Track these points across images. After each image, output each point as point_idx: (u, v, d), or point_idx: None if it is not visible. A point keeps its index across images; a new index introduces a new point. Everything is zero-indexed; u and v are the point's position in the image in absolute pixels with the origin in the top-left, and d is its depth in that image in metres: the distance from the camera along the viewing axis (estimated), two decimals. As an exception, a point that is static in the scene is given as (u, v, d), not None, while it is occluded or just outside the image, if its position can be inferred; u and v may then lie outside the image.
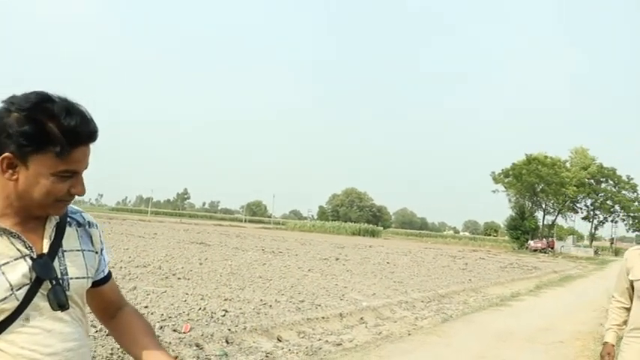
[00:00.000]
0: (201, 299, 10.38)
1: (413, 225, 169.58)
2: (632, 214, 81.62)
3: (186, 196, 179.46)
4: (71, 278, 1.60)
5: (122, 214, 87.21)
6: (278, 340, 8.42)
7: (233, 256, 21.42)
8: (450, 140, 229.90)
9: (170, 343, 6.88)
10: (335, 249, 35.38)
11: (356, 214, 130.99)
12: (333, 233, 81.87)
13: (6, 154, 1.45)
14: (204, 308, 9.41)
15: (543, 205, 77.03)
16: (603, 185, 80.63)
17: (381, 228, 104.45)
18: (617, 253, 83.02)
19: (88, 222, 1.75)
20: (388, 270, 22.15)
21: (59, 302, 1.54)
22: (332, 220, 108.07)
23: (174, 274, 13.75)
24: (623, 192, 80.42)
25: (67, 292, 1.58)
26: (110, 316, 1.84)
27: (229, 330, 8.02)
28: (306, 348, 7.89)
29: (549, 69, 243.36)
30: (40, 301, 1.52)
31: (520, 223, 69.83)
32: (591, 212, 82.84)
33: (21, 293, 1.49)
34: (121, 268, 14.31)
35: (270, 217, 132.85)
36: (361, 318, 10.55)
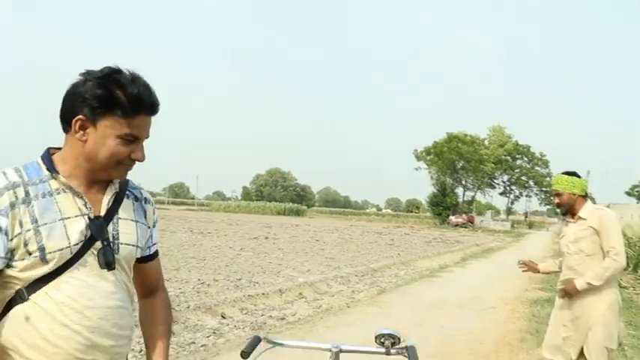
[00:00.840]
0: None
1: (336, 203, 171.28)
2: (544, 189, 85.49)
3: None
4: (122, 243, 1.76)
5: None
6: (222, 317, 8.48)
7: (161, 238, 21.17)
8: (372, 119, 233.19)
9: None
10: (263, 228, 35.46)
11: (280, 193, 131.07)
12: (258, 213, 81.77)
13: (79, 116, 1.65)
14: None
15: (463, 182, 79.41)
16: (518, 162, 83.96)
17: (306, 207, 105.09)
18: (531, 226, 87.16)
19: (145, 198, 1.93)
20: (318, 247, 22.46)
21: (106, 261, 1.71)
22: (256, 201, 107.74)
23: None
24: (537, 168, 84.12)
25: (116, 255, 1.74)
26: (144, 295, 2.00)
27: (172, 309, 8.01)
28: (251, 323, 7.99)
29: (470, 52, 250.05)
30: (90, 258, 1.69)
31: (442, 200, 71.82)
32: (507, 188, 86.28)
33: (75, 248, 1.66)
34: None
35: (193, 198, 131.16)
36: (300, 293, 10.72)
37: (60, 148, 1.76)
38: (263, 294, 10.05)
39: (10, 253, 1.61)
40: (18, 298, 1.63)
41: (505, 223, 74.08)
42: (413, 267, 17.08)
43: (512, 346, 6.90)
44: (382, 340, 2.08)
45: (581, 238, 4.34)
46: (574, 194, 4.40)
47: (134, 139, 1.70)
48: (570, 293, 4.30)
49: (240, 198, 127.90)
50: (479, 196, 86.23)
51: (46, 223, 1.63)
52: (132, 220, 1.83)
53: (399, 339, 2.07)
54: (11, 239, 1.60)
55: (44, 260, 1.61)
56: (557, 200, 4.48)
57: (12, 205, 1.61)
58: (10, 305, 1.64)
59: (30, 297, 1.62)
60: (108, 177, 1.76)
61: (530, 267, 4.99)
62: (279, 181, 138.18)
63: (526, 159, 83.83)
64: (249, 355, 1.98)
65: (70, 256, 1.65)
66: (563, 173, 4.50)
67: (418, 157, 77.80)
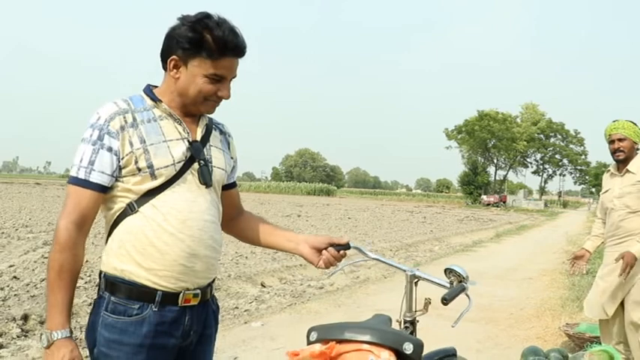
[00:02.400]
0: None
1: (366, 184, 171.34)
2: (578, 167, 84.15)
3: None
4: (214, 166, 1.99)
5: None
6: (262, 285, 8.64)
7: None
8: (402, 99, 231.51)
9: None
10: (294, 207, 35.64)
11: (310, 174, 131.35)
12: (288, 193, 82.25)
13: (173, 56, 1.86)
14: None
15: (495, 161, 78.55)
16: (552, 140, 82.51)
17: (335, 187, 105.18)
18: (565, 205, 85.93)
19: (228, 133, 2.17)
20: (351, 224, 22.55)
21: (204, 179, 1.93)
22: (286, 181, 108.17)
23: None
24: (571, 146, 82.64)
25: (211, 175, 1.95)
26: (231, 218, 2.21)
27: (214, 278, 8.17)
28: (292, 291, 8.12)
29: (501, 25, 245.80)
30: (189, 176, 1.91)
31: (473, 179, 71.22)
32: (541, 166, 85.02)
33: (179, 165, 1.88)
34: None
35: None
36: (336, 265, 10.82)
37: (156, 86, 1.97)
38: (301, 265, 10.17)
39: (119, 171, 1.83)
40: (128, 210, 1.84)
41: (538, 202, 73.07)
42: (447, 243, 17.07)
43: (554, 311, 6.90)
44: (450, 275, 2.15)
45: (627, 194, 4.15)
46: (636, 144, 4.21)
47: (220, 79, 1.88)
48: (631, 265, 3.96)
49: (269, 179, 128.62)
50: (511, 175, 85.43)
51: (152, 144, 1.85)
52: (220, 149, 2.05)
53: (464, 278, 2.13)
54: (122, 158, 1.82)
55: (153, 176, 1.84)
56: (618, 145, 4.19)
57: (122, 128, 1.83)
58: (120, 217, 1.85)
59: (139, 209, 1.84)
60: (197, 111, 1.96)
61: (580, 260, 4.69)
62: (309, 162, 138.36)
63: (560, 137, 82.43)
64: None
65: (174, 172, 1.87)
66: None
67: (449, 136, 77.11)
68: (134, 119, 1.85)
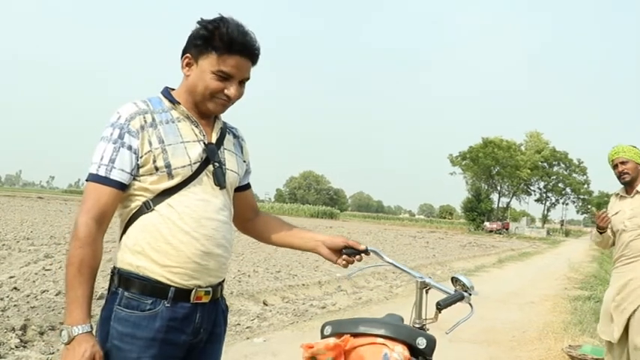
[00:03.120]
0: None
1: (369, 208, 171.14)
2: (581, 197, 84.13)
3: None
4: (228, 169, 2.05)
5: (76, 196, 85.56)
6: (264, 304, 8.63)
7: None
8: (407, 124, 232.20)
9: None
10: (298, 229, 35.51)
11: (313, 196, 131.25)
12: (291, 215, 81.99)
13: (187, 54, 1.95)
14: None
15: (498, 188, 78.65)
16: (555, 168, 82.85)
17: (339, 211, 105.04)
18: (568, 234, 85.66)
19: (241, 137, 2.22)
20: (354, 247, 22.47)
21: (219, 180, 1.99)
22: (290, 203, 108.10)
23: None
24: (574, 175, 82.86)
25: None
26: (247, 219, 2.30)
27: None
28: (294, 310, 8.12)
29: (506, 53, 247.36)
30: (204, 177, 1.97)
31: (476, 205, 71.08)
32: (544, 194, 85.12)
33: (195, 166, 1.93)
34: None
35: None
36: (339, 286, 10.82)
37: (174, 89, 2.03)
38: (303, 285, 10.18)
39: (137, 170, 1.88)
40: (144, 209, 1.89)
41: (540, 230, 72.91)
42: (449, 267, 17.01)
43: (557, 334, 6.90)
44: (456, 284, 2.18)
45: (639, 214, 4.17)
46: (639, 164, 4.25)
47: (228, 77, 1.92)
48: None
49: (273, 200, 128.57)
50: (514, 203, 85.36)
51: (170, 144, 1.90)
52: (233, 152, 2.11)
53: (468, 287, 2.16)
54: (141, 156, 1.87)
55: (170, 175, 1.88)
56: (622, 168, 4.26)
57: (142, 128, 1.88)
58: (136, 215, 1.89)
59: (155, 207, 1.88)
60: (207, 110, 1.99)
61: (603, 216, 4.45)
62: (313, 184, 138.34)
63: (563, 165, 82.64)
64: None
65: (190, 173, 1.91)
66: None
67: (453, 162, 77.25)
68: (153, 120, 1.90)
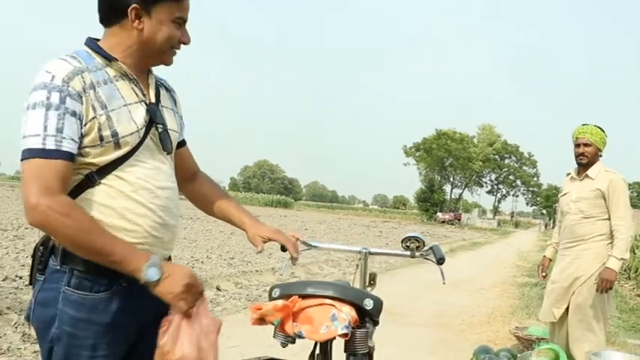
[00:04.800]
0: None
1: (324, 198, 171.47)
2: (531, 189, 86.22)
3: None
4: (170, 129, 1.86)
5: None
6: (217, 289, 8.59)
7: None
8: (361, 115, 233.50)
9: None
10: (252, 217, 35.36)
11: (268, 185, 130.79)
12: (245, 204, 79.25)
13: (134, 4, 1.68)
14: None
15: (451, 179, 79.93)
16: (507, 161, 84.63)
17: (293, 200, 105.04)
18: (517, 225, 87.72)
19: (172, 89, 2.01)
20: (308, 235, 22.51)
21: (166, 145, 1.81)
22: (244, 192, 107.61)
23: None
24: (524, 168, 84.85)
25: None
26: (186, 180, 2.11)
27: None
28: (247, 295, 8.10)
29: (465, 49, 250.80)
30: (150, 142, 1.77)
31: (429, 196, 72.02)
32: (495, 186, 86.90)
33: (141, 132, 1.73)
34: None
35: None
36: (292, 273, 10.83)
37: (97, 39, 1.77)
38: (257, 271, 10.16)
39: (80, 139, 1.63)
40: (88, 182, 1.66)
41: (491, 221, 74.42)
42: (402, 255, 17.22)
43: (504, 317, 7.10)
44: (408, 243, 2.22)
45: (583, 199, 4.21)
46: (600, 150, 4.26)
47: (183, 22, 1.77)
48: (612, 280, 4.00)
49: (227, 189, 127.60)
50: (466, 194, 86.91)
51: (114, 109, 1.67)
52: (170, 109, 1.91)
53: (423, 242, 2.20)
54: (85, 124, 1.62)
55: (117, 145, 1.67)
56: (583, 150, 4.23)
57: (83, 90, 1.62)
58: (78, 190, 1.66)
59: (102, 181, 1.67)
60: (160, 62, 1.82)
61: (545, 266, 4.74)
62: (267, 174, 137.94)
63: (514, 158, 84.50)
64: (286, 250, 2.11)
65: (138, 140, 1.71)
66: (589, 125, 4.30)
67: (407, 153, 78.17)
68: (91, 80, 1.64)
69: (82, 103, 1.61)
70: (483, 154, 77.73)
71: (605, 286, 4.01)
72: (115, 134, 1.65)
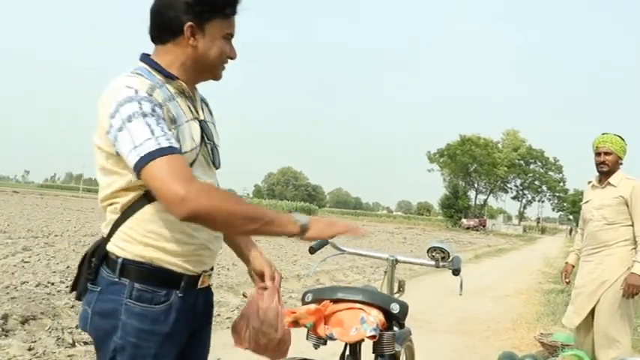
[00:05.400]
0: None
1: (347, 205, 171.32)
2: (557, 194, 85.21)
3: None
4: (216, 145, 1.92)
5: (52, 191, 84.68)
6: (244, 295, 8.69)
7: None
8: (386, 121, 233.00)
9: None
10: (276, 224, 35.45)
11: (292, 192, 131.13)
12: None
13: (189, 23, 1.75)
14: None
15: (476, 185, 79.40)
16: (532, 166, 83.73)
17: (317, 207, 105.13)
18: (543, 231, 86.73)
19: (208, 102, 2.02)
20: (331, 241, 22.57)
21: (215, 161, 1.89)
22: (268, 199, 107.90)
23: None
24: (550, 173, 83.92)
25: None
26: None
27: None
28: (273, 301, 8.19)
29: (487, 53, 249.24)
30: (202, 158, 1.83)
31: (454, 202, 71.68)
32: (520, 192, 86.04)
33: (198, 149, 1.79)
34: (69, 236, 14.26)
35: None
36: (317, 279, 10.92)
37: (148, 55, 1.83)
38: (282, 278, 10.20)
39: None
40: (149, 197, 1.69)
41: (517, 227, 73.85)
42: (426, 262, 17.17)
43: (530, 324, 7.08)
44: (433, 253, 2.30)
45: (606, 206, 4.26)
46: (620, 159, 4.31)
47: (231, 38, 1.85)
48: (639, 285, 4.00)
49: (251, 196, 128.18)
50: (491, 200, 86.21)
51: (179, 125, 1.72)
52: (211, 123, 1.96)
53: (448, 253, 2.27)
54: None
55: None
56: (603, 158, 4.29)
57: (163, 102, 1.69)
58: (138, 205, 1.72)
59: None
60: (212, 77, 1.88)
61: (568, 272, 4.83)
62: (291, 180, 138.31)
63: (539, 163, 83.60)
64: (315, 252, 2.19)
65: (195, 156, 1.77)
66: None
67: (431, 159, 77.84)
68: (162, 96, 1.71)
69: (165, 114, 1.68)
70: (508, 159, 77.17)
71: (631, 291, 4.03)
72: (180, 149, 1.68)
